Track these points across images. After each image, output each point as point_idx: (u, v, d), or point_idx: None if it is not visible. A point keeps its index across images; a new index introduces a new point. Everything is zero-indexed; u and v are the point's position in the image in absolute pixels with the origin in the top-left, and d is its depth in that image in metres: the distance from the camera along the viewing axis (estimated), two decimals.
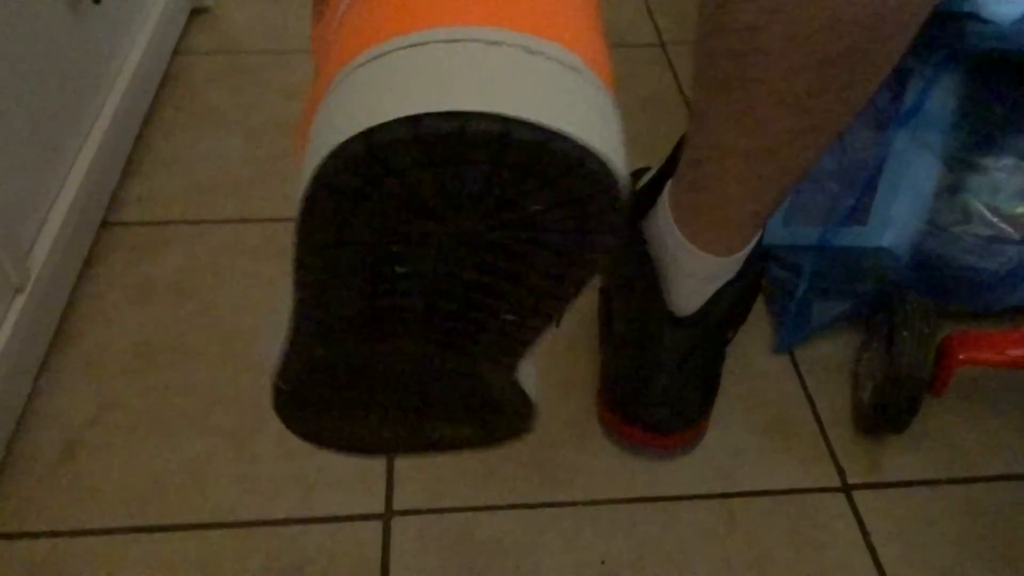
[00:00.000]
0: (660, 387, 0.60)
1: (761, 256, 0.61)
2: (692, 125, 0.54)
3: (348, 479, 0.61)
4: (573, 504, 0.60)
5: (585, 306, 0.74)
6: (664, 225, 0.58)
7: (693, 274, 0.58)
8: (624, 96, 0.84)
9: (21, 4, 0.65)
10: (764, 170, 0.51)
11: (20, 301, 0.62)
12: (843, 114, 0.48)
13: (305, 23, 1.10)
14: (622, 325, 0.62)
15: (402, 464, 0.62)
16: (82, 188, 0.72)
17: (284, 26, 1.07)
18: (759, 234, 0.58)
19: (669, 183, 0.59)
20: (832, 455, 0.64)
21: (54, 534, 0.58)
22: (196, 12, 1.08)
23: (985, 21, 0.63)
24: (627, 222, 0.60)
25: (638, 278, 0.59)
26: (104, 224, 0.79)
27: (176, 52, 1.01)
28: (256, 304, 0.73)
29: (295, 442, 0.63)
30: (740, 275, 0.59)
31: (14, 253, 0.61)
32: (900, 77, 0.70)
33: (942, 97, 0.68)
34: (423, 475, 0.62)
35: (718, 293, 0.59)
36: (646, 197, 0.62)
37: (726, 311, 0.59)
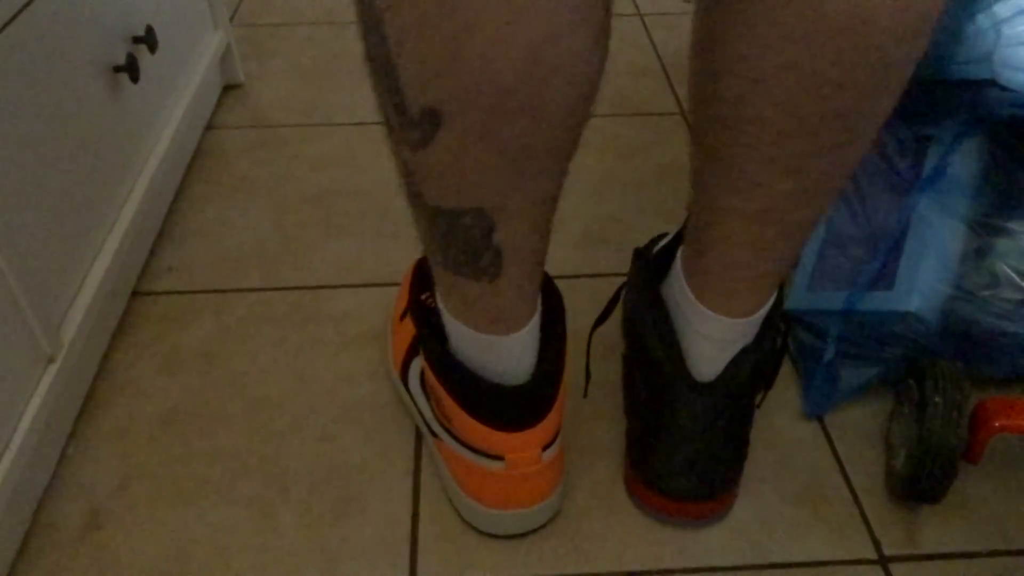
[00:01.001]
0: (684, 455, 0.59)
1: (783, 318, 0.61)
2: (693, 190, 0.55)
3: (371, 550, 0.60)
4: (600, 575, 0.59)
5: (610, 373, 0.74)
6: (678, 288, 0.59)
7: (709, 337, 0.57)
8: (645, 164, 0.85)
9: (62, 81, 0.67)
10: (766, 232, 0.51)
11: (52, 371, 0.63)
12: (839, 173, 0.49)
13: (333, 96, 1.14)
14: (644, 392, 0.62)
15: (425, 534, 0.61)
16: (115, 259, 0.74)
17: (312, 100, 1.10)
18: (773, 296, 0.58)
19: (681, 247, 0.59)
20: (867, 525, 0.62)
21: None
22: (228, 88, 1.12)
23: (1003, 88, 0.64)
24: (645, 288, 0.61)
25: (658, 344, 0.59)
26: (135, 294, 0.81)
27: (208, 126, 1.04)
28: (282, 371, 0.74)
29: (318, 512, 0.63)
30: (760, 339, 0.58)
31: (47, 324, 0.62)
32: (920, 143, 0.71)
33: (964, 162, 0.68)
34: (447, 546, 0.61)
35: (739, 357, 0.58)
36: (662, 261, 0.63)
37: (749, 376, 0.58)
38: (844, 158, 0.47)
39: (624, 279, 0.71)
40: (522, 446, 0.56)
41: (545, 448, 0.57)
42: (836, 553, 0.60)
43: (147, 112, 0.85)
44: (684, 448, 0.59)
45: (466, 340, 0.55)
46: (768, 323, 0.58)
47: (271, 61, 1.19)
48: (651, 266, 0.63)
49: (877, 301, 0.68)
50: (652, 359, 0.60)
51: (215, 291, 0.82)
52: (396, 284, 0.83)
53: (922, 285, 0.66)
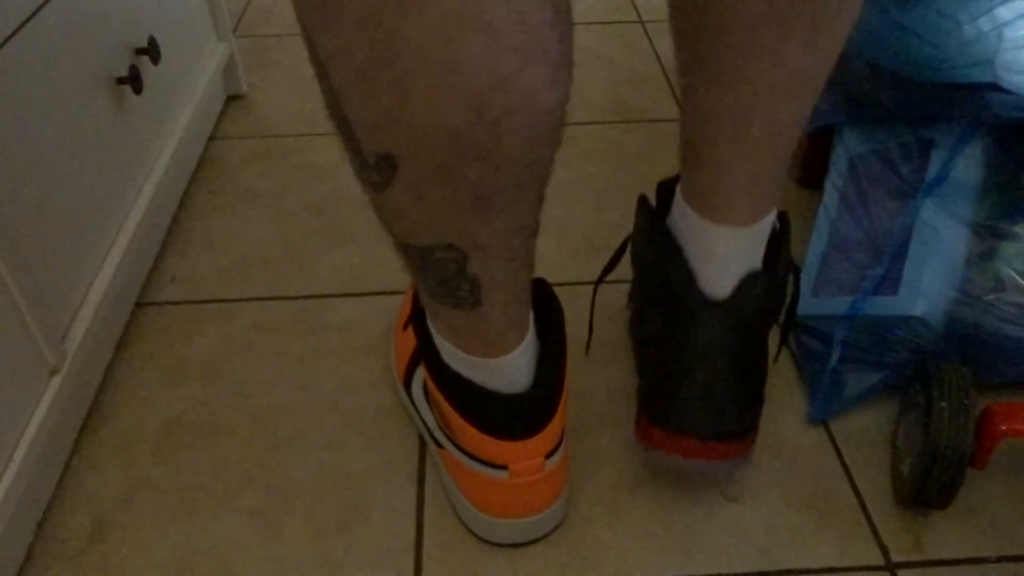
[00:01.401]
0: (701, 383, 0.57)
1: (789, 262, 0.61)
2: (683, 101, 0.56)
3: (375, 559, 0.60)
4: None
5: (613, 380, 0.73)
6: (679, 213, 0.59)
7: (714, 252, 0.57)
8: (647, 171, 0.85)
9: (65, 93, 0.68)
10: (752, 128, 0.52)
11: (55, 382, 0.63)
12: (817, 67, 0.50)
13: None
14: (658, 321, 0.60)
15: (430, 543, 0.61)
16: (118, 270, 0.74)
17: (315, 110, 1.10)
18: (773, 212, 0.58)
19: (678, 185, 0.61)
20: (874, 532, 0.62)
21: None
22: (231, 98, 1.12)
23: (1006, 91, 0.64)
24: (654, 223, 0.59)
25: (669, 266, 0.58)
26: (138, 304, 0.81)
27: (212, 137, 1.04)
28: (286, 381, 0.74)
29: (322, 522, 0.63)
30: (769, 266, 0.59)
31: (51, 335, 0.62)
32: (923, 147, 0.71)
33: (967, 166, 0.68)
34: (451, 555, 0.61)
35: (748, 279, 0.57)
36: (665, 199, 0.64)
37: (760, 300, 0.57)
38: (819, 48, 0.49)
39: (628, 284, 0.71)
40: (525, 455, 0.56)
41: (548, 456, 0.57)
42: (843, 560, 0.60)
43: (150, 123, 0.85)
44: (701, 374, 0.57)
45: (457, 360, 0.56)
46: (774, 249, 0.59)
47: (274, 72, 1.19)
48: (655, 206, 0.64)
49: (882, 306, 0.68)
50: (664, 285, 0.59)
51: (219, 301, 0.82)
52: (399, 293, 0.83)
53: (927, 289, 0.66)
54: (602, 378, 0.73)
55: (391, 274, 0.85)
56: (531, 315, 0.56)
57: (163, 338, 0.78)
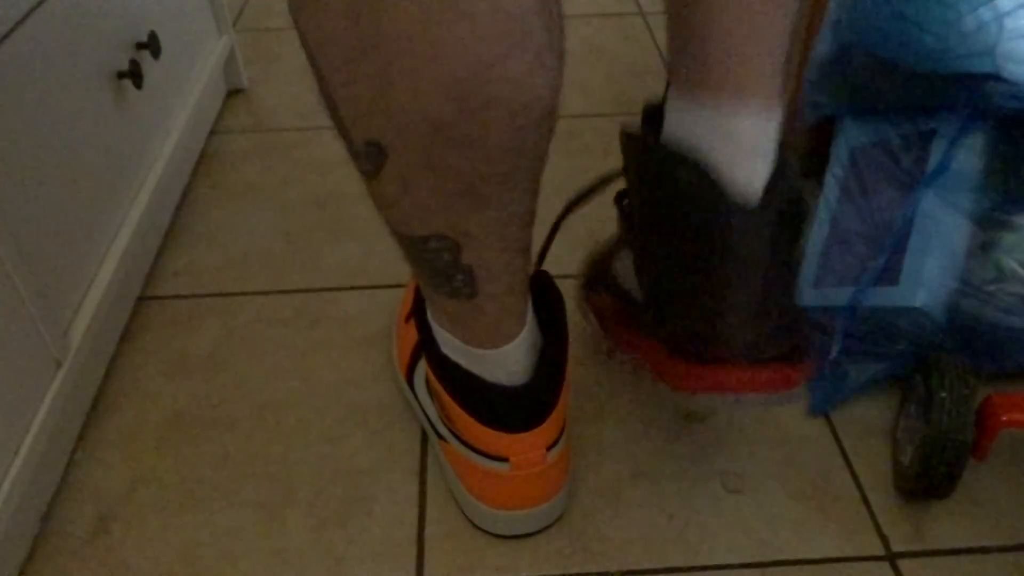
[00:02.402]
0: (745, 297, 0.49)
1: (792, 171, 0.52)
2: (695, 8, 0.50)
3: (378, 551, 0.61)
4: (607, 574, 0.59)
5: (614, 371, 0.74)
6: (676, 119, 0.52)
7: (740, 144, 0.50)
8: None
9: (66, 88, 0.68)
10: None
11: (60, 376, 0.63)
12: None
13: None
14: (678, 248, 0.52)
15: (432, 535, 0.62)
16: (121, 264, 0.74)
17: (316, 104, 1.10)
18: (783, 97, 0.51)
19: (670, 95, 0.54)
20: (875, 522, 0.62)
21: None
22: (232, 92, 1.12)
23: (1007, 81, 0.63)
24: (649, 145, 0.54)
25: (688, 180, 0.50)
26: (141, 298, 0.81)
27: (213, 131, 1.04)
28: (288, 374, 0.74)
29: (325, 515, 0.63)
30: (782, 166, 0.51)
31: (54, 329, 0.63)
32: (924, 138, 0.71)
33: (968, 156, 0.68)
34: (453, 546, 0.61)
35: (771, 182, 0.50)
36: (652, 118, 0.56)
37: (787, 202, 0.50)
38: None
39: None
40: (526, 447, 0.56)
41: (549, 448, 0.57)
42: (844, 550, 0.60)
43: (151, 117, 0.85)
44: (744, 293, 0.49)
45: (456, 351, 0.56)
46: (782, 154, 0.51)
47: (275, 65, 1.19)
48: (648, 123, 0.56)
49: (883, 297, 0.68)
50: (681, 206, 0.51)
51: (221, 295, 0.82)
52: (401, 286, 0.83)
53: (928, 280, 0.66)
54: (603, 369, 0.74)
55: (392, 267, 0.85)
56: (529, 306, 0.56)
57: (166, 332, 0.78)
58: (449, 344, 0.56)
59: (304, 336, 0.78)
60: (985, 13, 0.63)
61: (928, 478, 0.59)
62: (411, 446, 0.68)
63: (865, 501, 0.63)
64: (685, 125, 0.52)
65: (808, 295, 0.75)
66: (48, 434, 0.61)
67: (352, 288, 0.82)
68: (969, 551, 0.60)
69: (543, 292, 0.59)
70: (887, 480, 0.65)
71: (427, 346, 0.58)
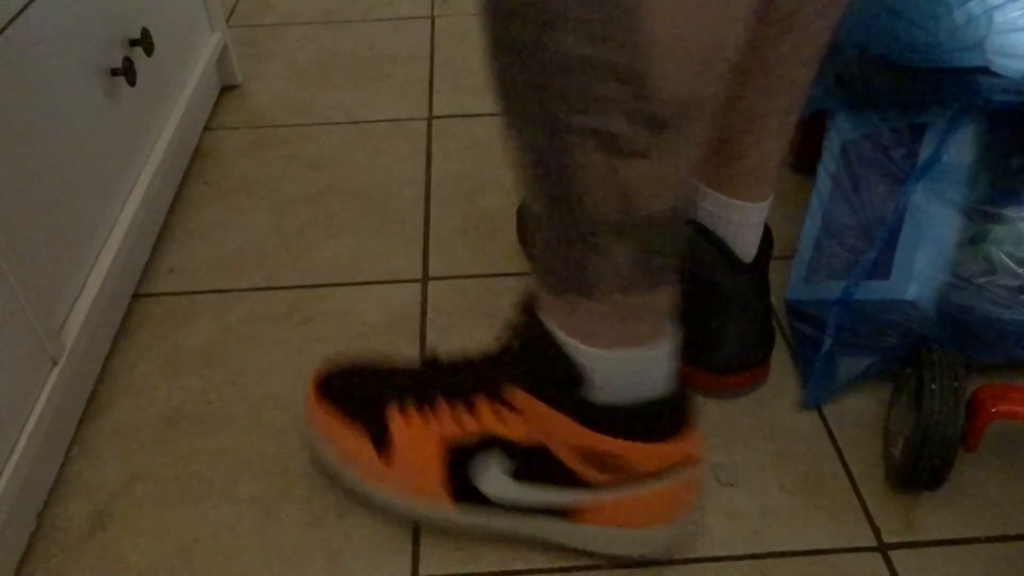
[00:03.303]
0: (736, 330, 0.68)
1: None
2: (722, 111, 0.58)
3: (374, 546, 0.61)
4: (599, 568, 0.59)
5: None
6: (714, 200, 0.66)
7: (750, 224, 0.66)
8: None
9: (58, 85, 0.68)
10: (791, 118, 0.62)
11: (55, 373, 0.63)
12: (821, 48, 0.58)
13: (330, 96, 1.14)
14: (689, 291, 0.61)
15: (428, 531, 0.62)
16: (115, 261, 0.74)
17: (309, 101, 1.10)
18: (775, 180, 0.66)
19: None
20: (866, 513, 0.63)
21: None
22: (226, 89, 1.12)
23: (996, 75, 0.64)
24: None
25: (707, 245, 0.67)
26: (136, 295, 0.81)
27: (206, 127, 1.04)
28: (283, 371, 0.74)
29: (321, 510, 0.63)
30: (767, 230, 0.69)
31: (49, 326, 0.63)
32: (915, 131, 0.71)
33: (958, 150, 0.69)
34: (449, 540, 0.61)
35: (764, 235, 0.68)
36: None
37: (767, 251, 0.69)
38: (828, 29, 0.58)
39: None
40: (699, 436, 0.56)
41: None
42: (836, 541, 0.61)
43: (145, 114, 0.85)
44: (739, 324, 0.68)
45: (628, 365, 0.51)
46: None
47: (268, 61, 1.19)
48: None
49: (874, 290, 0.68)
50: (703, 259, 0.67)
51: (216, 291, 0.82)
52: (395, 282, 0.83)
53: (918, 273, 0.66)
54: None
55: (388, 263, 0.85)
56: None
57: (161, 329, 0.78)
58: (613, 368, 0.51)
59: (299, 332, 0.78)
60: (974, 7, 0.63)
61: (919, 469, 0.60)
62: None
63: (857, 493, 0.64)
64: (702, 200, 0.66)
65: (800, 289, 0.75)
66: (44, 431, 0.61)
67: (346, 284, 0.83)
68: (960, 542, 0.61)
69: None
70: (879, 472, 0.65)
71: (581, 408, 0.52)
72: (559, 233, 0.46)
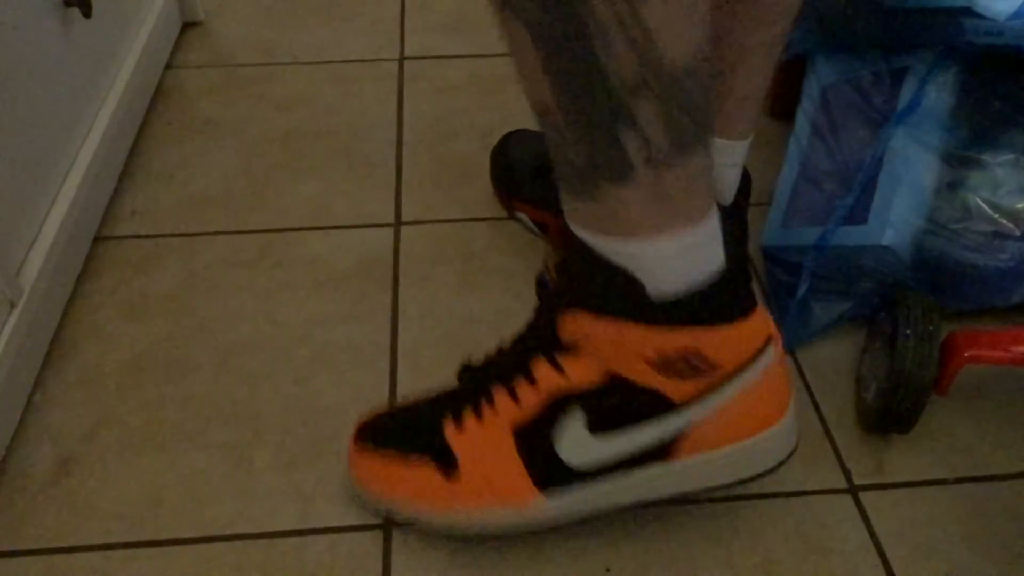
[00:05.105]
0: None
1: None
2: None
3: (347, 491, 0.60)
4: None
5: None
6: None
7: (735, 164, 0.66)
8: None
9: (10, 19, 0.64)
10: (775, 52, 0.61)
11: (13, 316, 0.61)
12: None
13: (297, 35, 1.10)
14: None
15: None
16: (74, 203, 0.71)
17: (276, 39, 1.07)
18: (757, 117, 0.66)
19: None
20: (838, 456, 0.63)
21: (49, 551, 0.57)
22: (188, 26, 1.08)
23: (981, 16, 0.63)
24: None
25: None
26: (98, 239, 0.79)
27: (168, 66, 1.00)
28: (252, 316, 0.72)
29: (292, 455, 0.62)
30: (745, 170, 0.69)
31: (5, 268, 0.60)
32: (896, 75, 0.70)
33: (939, 94, 0.68)
34: None
35: (744, 177, 0.68)
36: None
37: (745, 195, 0.69)
38: None
39: None
40: (768, 316, 0.51)
41: None
42: (808, 483, 0.61)
43: (102, 49, 0.81)
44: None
45: (683, 247, 0.46)
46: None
47: None
48: None
49: (850, 236, 0.68)
50: None
51: (181, 235, 0.80)
52: (366, 227, 0.81)
53: (895, 219, 0.66)
54: None
55: (358, 207, 0.83)
56: None
57: (124, 273, 0.76)
58: (671, 256, 0.46)
59: (268, 277, 0.76)
60: None
61: (891, 413, 0.60)
62: (379, 386, 0.67)
63: (829, 436, 0.64)
64: None
65: (776, 235, 0.75)
66: (4, 377, 0.59)
67: (316, 228, 0.81)
68: (928, 483, 0.62)
69: None
70: (850, 416, 0.66)
71: (649, 309, 0.47)
72: (585, 117, 0.42)
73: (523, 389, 0.51)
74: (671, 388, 0.49)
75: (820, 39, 0.77)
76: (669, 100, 0.41)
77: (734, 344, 0.49)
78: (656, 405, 0.49)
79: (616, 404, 0.50)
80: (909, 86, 0.69)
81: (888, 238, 0.65)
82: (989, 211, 0.64)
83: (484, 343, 0.71)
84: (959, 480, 0.62)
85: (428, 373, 0.68)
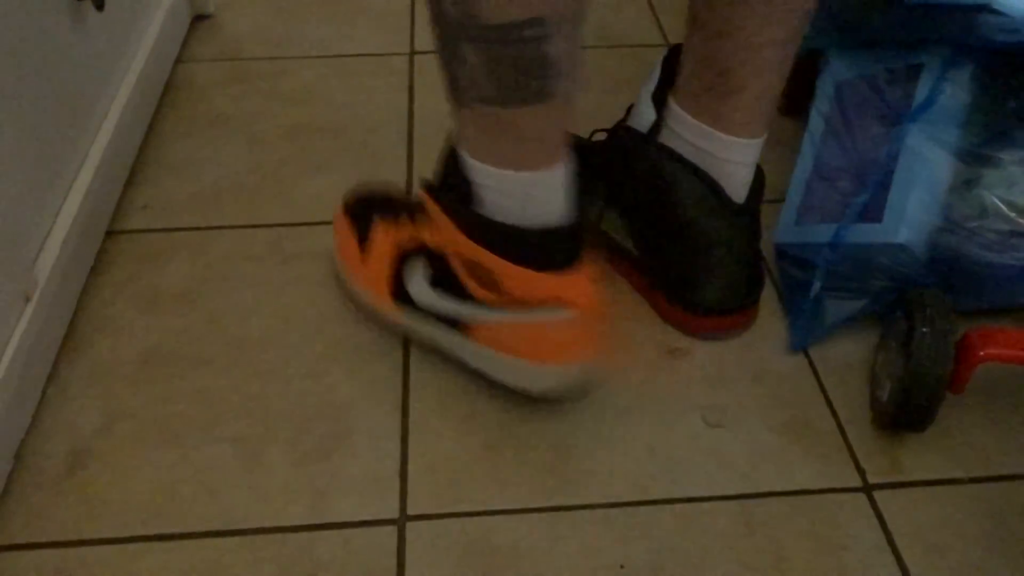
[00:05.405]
0: (727, 274, 0.67)
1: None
2: (719, 40, 0.61)
3: (361, 486, 0.60)
4: (590, 507, 0.60)
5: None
6: (692, 133, 0.65)
7: (743, 162, 0.66)
8: (633, 97, 0.82)
9: (23, 12, 0.64)
10: (790, 51, 0.61)
11: (28, 309, 0.61)
12: None
13: (307, 29, 1.10)
14: (678, 230, 0.67)
15: (415, 469, 0.61)
16: (87, 197, 0.71)
17: (286, 33, 1.06)
18: (770, 117, 0.66)
19: (677, 101, 0.66)
20: (852, 455, 0.63)
21: (63, 544, 0.57)
22: (198, 19, 1.08)
23: (998, 13, 0.63)
24: (646, 145, 0.66)
25: (696, 182, 0.65)
26: (110, 232, 0.79)
27: (179, 60, 1.00)
28: (264, 311, 0.72)
29: (306, 450, 0.63)
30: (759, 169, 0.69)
31: (21, 262, 0.60)
32: (911, 72, 0.70)
33: (954, 91, 0.68)
34: (436, 479, 0.61)
35: (756, 177, 0.67)
36: (671, 70, 0.68)
37: (759, 193, 0.68)
38: None
39: None
40: (579, 283, 0.58)
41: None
42: (821, 482, 0.61)
43: (114, 42, 0.81)
44: (725, 267, 0.67)
45: (507, 187, 0.55)
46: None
47: None
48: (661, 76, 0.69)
49: (865, 233, 0.68)
50: (690, 197, 0.66)
51: (192, 229, 0.80)
52: None
53: (910, 217, 0.66)
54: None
55: None
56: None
57: (137, 267, 0.76)
58: (497, 189, 0.56)
59: (279, 271, 0.76)
60: None
61: (906, 412, 0.60)
62: (393, 380, 0.67)
63: (843, 434, 0.64)
64: (694, 138, 0.66)
65: (789, 232, 0.75)
66: (19, 370, 0.59)
67: (326, 223, 0.81)
68: (943, 482, 0.61)
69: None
70: (864, 414, 0.66)
71: (465, 216, 0.57)
72: (438, 43, 0.52)
73: (409, 224, 0.65)
74: (472, 285, 0.60)
75: (835, 36, 0.76)
76: (491, 53, 0.49)
77: (522, 285, 0.57)
78: (460, 290, 0.61)
79: (440, 270, 0.62)
80: (924, 83, 0.69)
81: (903, 236, 0.65)
82: (1005, 209, 0.64)
83: None
84: (974, 480, 0.61)
85: (442, 364, 0.68)
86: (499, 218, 0.56)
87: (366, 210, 0.70)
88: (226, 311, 0.72)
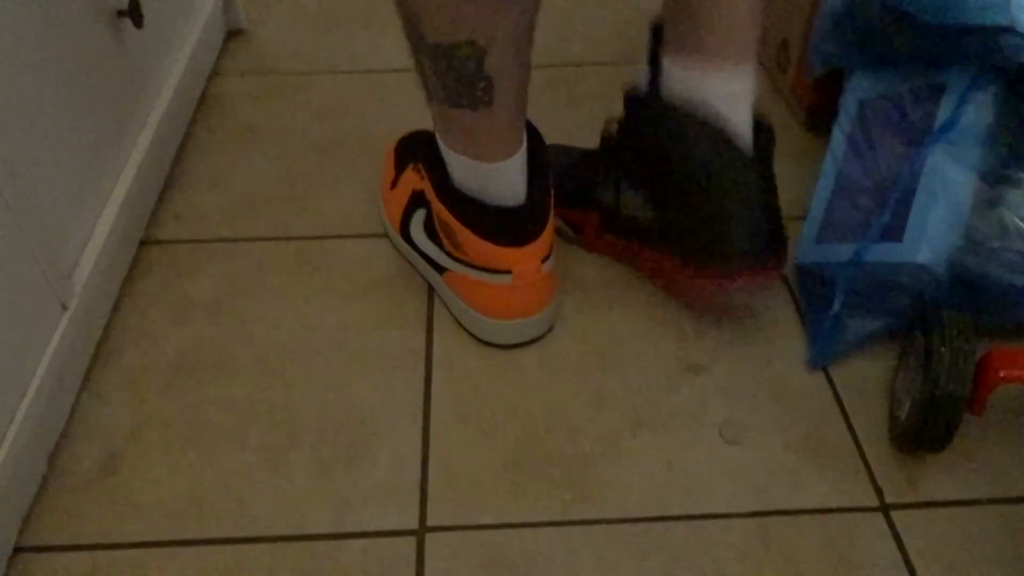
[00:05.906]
0: (747, 223, 0.67)
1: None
2: None
3: (382, 495, 0.62)
4: (607, 522, 0.60)
5: (615, 327, 0.74)
6: (690, 78, 0.66)
7: (731, 94, 0.65)
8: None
9: (65, 28, 0.67)
10: None
11: (65, 318, 0.63)
12: None
13: (338, 44, 1.12)
14: (689, 177, 0.67)
15: (435, 479, 0.63)
16: (123, 207, 0.74)
17: (317, 47, 1.09)
18: (757, 48, 0.66)
19: (665, 59, 0.67)
20: (869, 474, 0.63)
21: (94, 547, 0.59)
22: (232, 34, 1.10)
23: (1021, 35, 0.63)
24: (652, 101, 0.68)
25: (701, 130, 0.66)
26: (144, 242, 0.81)
27: (212, 74, 1.03)
28: (291, 321, 0.74)
29: (329, 459, 0.64)
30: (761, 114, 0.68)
31: (59, 271, 0.62)
32: (934, 92, 0.70)
33: (977, 111, 0.68)
34: (456, 491, 0.62)
35: (763, 131, 0.66)
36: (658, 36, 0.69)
37: (768, 140, 0.67)
38: None
39: None
40: (525, 258, 0.67)
41: (543, 260, 0.68)
42: (839, 501, 0.61)
43: (151, 58, 0.84)
44: (746, 221, 0.66)
45: (466, 170, 0.65)
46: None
47: (274, 6, 1.17)
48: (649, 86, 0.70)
49: (886, 252, 0.68)
50: (696, 145, 0.66)
51: (223, 240, 0.82)
52: None
53: (931, 236, 0.66)
54: (605, 321, 0.74)
55: None
56: (524, 134, 0.66)
57: (169, 276, 0.78)
58: (460, 169, 0.66)
59: (307, 283, 0.78)
60: None
61: (925, 432, 0.60)
62: (415, 391, 0.68)
63: (861, 453, 0.64)
64: (686, 84, 0.66)
65: (810, 251, 0.75)
66: (54, 376, 0.61)
67: (354, 236, 0.82)
68: (961, 503, 0.61)
69: (526, 134, 0.67)
70: (882, 433, 0.66)
71: (439, 183, 0.67)
72: (409, 50, 0.60)
73: (421, 175, 0.73)
74: (441, 239, 0.71)
75: (858, 54, 0.76)
76: (434, 63, 0.58)
77: (478, 250, 0.67)
78: (437, 240, 0.72)
79: (429, 220, 0.73)
80: (947, 103, 0.69)
81: (924, 256, 0.65)
82: None
83: (518, 346, 0.72)
84: (992, 500, 0.61)
85: (463, 377, 0.69)
86: (464, 191, 0.66)
87: (408, 151, 0.82)
88: (254, 321, 0.74)
